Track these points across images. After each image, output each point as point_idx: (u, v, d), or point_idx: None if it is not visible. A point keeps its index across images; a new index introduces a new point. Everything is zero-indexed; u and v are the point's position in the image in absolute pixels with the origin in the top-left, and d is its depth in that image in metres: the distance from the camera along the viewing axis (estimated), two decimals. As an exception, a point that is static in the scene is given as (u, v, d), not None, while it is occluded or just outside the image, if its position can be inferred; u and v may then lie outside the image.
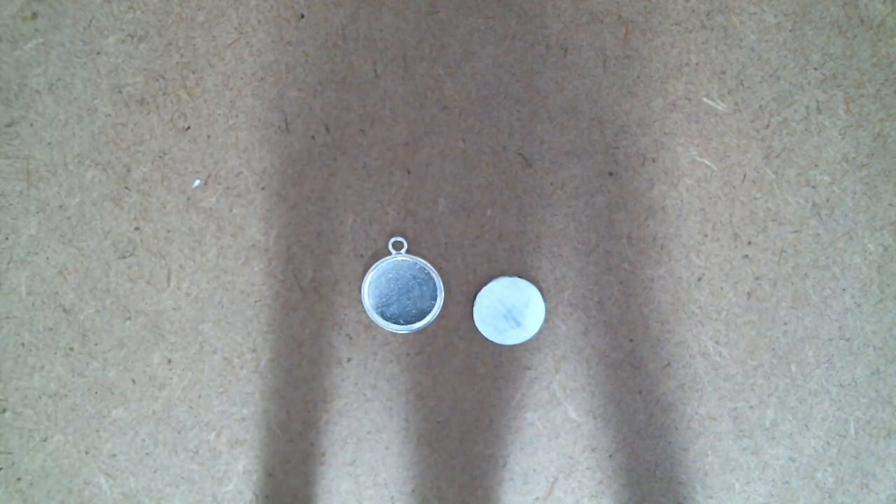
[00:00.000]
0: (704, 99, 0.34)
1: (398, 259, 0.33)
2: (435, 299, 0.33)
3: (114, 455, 0.33)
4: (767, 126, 0.34)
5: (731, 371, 0.34)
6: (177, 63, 0.33)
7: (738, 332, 0.34)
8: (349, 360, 0.34)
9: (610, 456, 0.34)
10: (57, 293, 0.33)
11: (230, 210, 0.33)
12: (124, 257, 0.33)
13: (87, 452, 0.33)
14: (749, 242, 0.34)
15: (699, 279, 0.34)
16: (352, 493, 0.34)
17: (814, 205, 0.34)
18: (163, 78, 0.33)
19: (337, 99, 0.34)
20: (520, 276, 0.34)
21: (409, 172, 0.34)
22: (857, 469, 0.34)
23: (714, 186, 0.34)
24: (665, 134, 0.34)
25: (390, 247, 0.33)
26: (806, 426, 0.34)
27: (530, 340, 0.34)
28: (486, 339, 0.34)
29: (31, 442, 0.33)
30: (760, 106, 0.34)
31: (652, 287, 0.34)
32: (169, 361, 0.33)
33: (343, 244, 0.34)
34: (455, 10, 0.34)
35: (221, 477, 0.34)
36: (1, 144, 0.33)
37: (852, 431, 0.34)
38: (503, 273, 0.34)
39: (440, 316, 0.34)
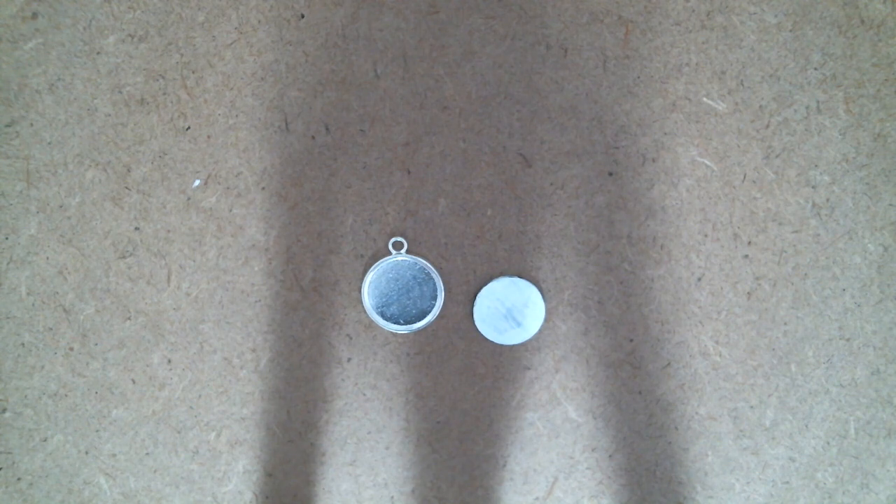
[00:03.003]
0: (704, 99, 0.34)
1: (398, 259, 0.33)
2: (435, 299, 0.33)
3: (114, 455, 0.33)
4: (767, 126, 0.34)
5: (731, 371, 0.34)
6: (177, 63, 0.33)
7: (738, 332, 0.34)
8: (349, 360, 0.34)
9: (610, 456, 0.34)
10: (57, 293, 0.33)
11: (230, 210, 0.33)
12: (124, 257, 0.33)
13: (87, 452, 0.33)
14: (749, 242, 0.34)
15: (699, 279, 0.34)
16: (352, 493, 0.34)
17: (814, 205, 0.34)
18: (163, 78, 0.33)
19: (337, 99, 0.34)
20: (520, 276, 0.34)
21: (409, 172, 0.34)
22: (857, 469, 0.34)
23: (714, 186, 0.34)
24: (665, 134, 0.34)
25: (390, 247, 0.33)
26: (806, 426, 0.34)
27: (530, 340, 0.34)
28: (486, 339, 0.34)
29: (31, 442, 0.33)
30: (760, 106, 0.34)
31: (652, 287, 0.34)
32: (169, 361, 0.33)
33: (343, 244, 0.34)
34: (455, 10, 0.34)
35: (221, 477, 0.34)
36: (1, 144, 0.33)
37: (852, 431, 0.34)
38: (503, 273, 0.34)
39: (440, 316, 0.34)
